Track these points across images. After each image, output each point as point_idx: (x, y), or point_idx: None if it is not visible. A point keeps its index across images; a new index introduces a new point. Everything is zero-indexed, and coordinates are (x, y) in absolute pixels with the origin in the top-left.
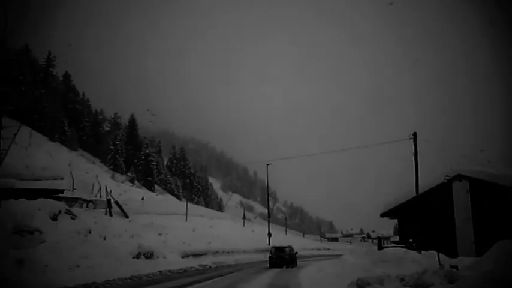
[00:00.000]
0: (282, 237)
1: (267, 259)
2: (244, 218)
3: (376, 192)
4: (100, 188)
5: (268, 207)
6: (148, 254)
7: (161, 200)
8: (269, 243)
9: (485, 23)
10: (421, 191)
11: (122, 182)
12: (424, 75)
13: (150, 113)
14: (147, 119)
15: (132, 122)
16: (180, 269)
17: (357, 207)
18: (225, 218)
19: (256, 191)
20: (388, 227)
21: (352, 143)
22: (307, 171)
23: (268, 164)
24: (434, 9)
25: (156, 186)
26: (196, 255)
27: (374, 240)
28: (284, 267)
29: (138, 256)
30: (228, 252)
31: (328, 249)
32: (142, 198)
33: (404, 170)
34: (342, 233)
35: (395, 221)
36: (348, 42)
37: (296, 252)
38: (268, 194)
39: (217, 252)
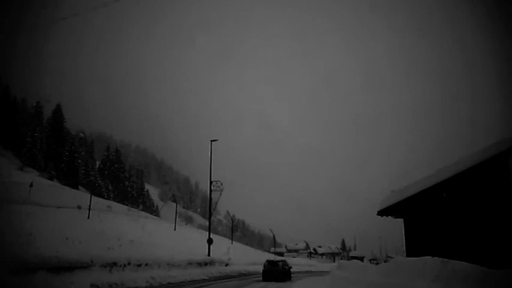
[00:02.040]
0: (226, 247)
1: (207, 277)
2: (176, 220)
3: (323, 207)
4: None
5: (209, 201)
6: None
7: (64, 190)
8: (209, 254)
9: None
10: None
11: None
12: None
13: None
14: (78, 116)
15: (57, 113)
16: None
17: (302, 223)
18: (151, 218)
19: (197, 202)
20: (336, 242)
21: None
22: (251, 185)
23: (212, 141)
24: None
25: (82, 188)
26: (66, 268)
27: (323, 256)
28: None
29: None
30: (139, 265)
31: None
32: (31, 185)
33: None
34: (286, 247)
35: (342, 235)
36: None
37: (290, 267)
38: (210, 182)
39: (114, 264)
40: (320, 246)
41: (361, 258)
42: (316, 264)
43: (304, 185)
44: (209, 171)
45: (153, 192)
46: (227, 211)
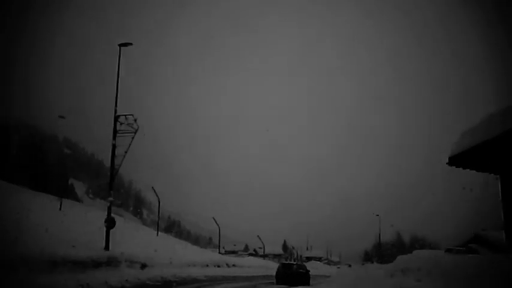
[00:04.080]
0: (145, 238)
1: None
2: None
3: (264, 207)
4: None
5: (113, 145)
6: None
7: None
8: (107, 246)
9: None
10: None
11: None
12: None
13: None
14: None
15: None
16: None
17: (241, 224)
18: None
19: (129, 201)
20: (277, 243)
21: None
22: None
23: (122, 45)
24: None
25: None
26: None
27: (268, 258)
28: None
29: None
30: None
31: (233, 265)
32: None
33: None
34: (224, 248)
35: (284, 236)
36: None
37: (308, 270)
38: (116, 117)
39: None
40: (260, 247)
41: (319, 259)
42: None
43: (255, 187)
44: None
45: (81, 188)
46: (152, 187)
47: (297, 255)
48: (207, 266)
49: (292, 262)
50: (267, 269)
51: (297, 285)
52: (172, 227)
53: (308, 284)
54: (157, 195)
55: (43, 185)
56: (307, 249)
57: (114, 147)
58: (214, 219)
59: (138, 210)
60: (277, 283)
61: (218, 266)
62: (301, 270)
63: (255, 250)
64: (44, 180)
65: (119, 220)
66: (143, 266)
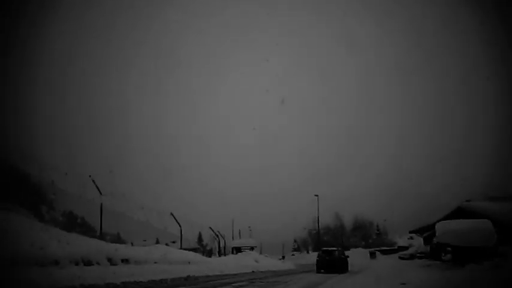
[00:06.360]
0: None
1: None
2: None
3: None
4: None
5: None
6: None
7: None
8: None
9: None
10: None
11: None
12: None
13: None
14: None
15: None
16: None
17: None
18: None
19: (24, 194)
20: (191, 240)
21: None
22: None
23: None
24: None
25: None
26: None
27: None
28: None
29: None
30: None
31: (124, 261)
32: None
33: None
34: (132, 244)
35: (200, 229)
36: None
37: (347, 256)
38: None
39: None
40: (174, 242)
41: (252, 249)
42: (204, 259)
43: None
44: None
45: None
46: None
47: (224, 245)
48: (57, 264)
49: (334, 249)
50: (191, 264)
51: (339, 273)
52: (75, 226)
53: (347, 271)
54: None
55: None
56: (232, 238)
57: None
58: (93, 181)
59: (32, 208)
60: (318, 271)
61: (90, 264)
62: (342, 256)
63: (167, 244)
64: None
65: None
66: None
